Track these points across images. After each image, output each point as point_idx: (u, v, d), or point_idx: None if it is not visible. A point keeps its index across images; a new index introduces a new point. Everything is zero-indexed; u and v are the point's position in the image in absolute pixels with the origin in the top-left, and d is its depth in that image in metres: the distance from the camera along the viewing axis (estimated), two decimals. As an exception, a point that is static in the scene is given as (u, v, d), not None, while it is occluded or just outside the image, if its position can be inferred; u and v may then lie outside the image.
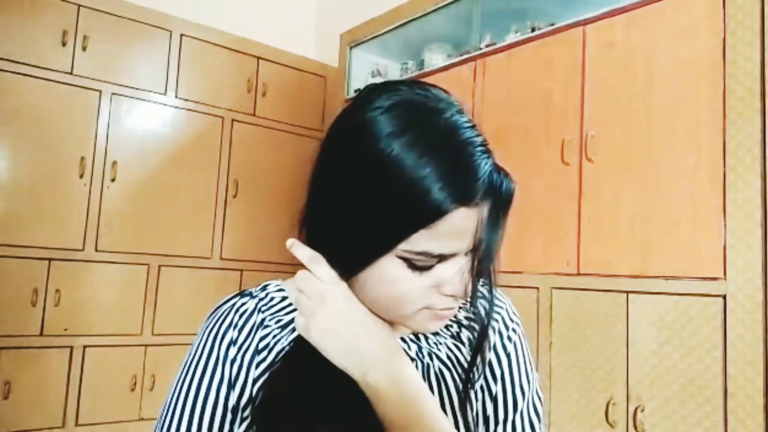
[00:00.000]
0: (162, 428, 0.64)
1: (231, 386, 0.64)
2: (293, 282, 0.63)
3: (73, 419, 2.60)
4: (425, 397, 0.60)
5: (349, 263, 0.60)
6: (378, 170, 0.56)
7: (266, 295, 0.70)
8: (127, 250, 2.78)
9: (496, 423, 0.70)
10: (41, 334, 2.55)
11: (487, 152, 0.60)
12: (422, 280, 0.58)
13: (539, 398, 0.73)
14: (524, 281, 2.10)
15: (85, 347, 2.65)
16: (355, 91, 3.04)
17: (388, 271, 0.58)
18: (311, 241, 0.63)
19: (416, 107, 0.59)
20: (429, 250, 0.56)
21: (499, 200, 0.60)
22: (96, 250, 2.69)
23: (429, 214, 0.54)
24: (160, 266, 2.85)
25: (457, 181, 0.55)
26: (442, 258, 0.57)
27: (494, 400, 0.70)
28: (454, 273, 0.59)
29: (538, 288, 2.06)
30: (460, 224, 0.56)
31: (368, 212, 0.56)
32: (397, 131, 0.56)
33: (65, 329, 2.60)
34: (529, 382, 0.73)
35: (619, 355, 1.80)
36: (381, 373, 0.59)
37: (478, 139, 0.60)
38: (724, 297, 1.60)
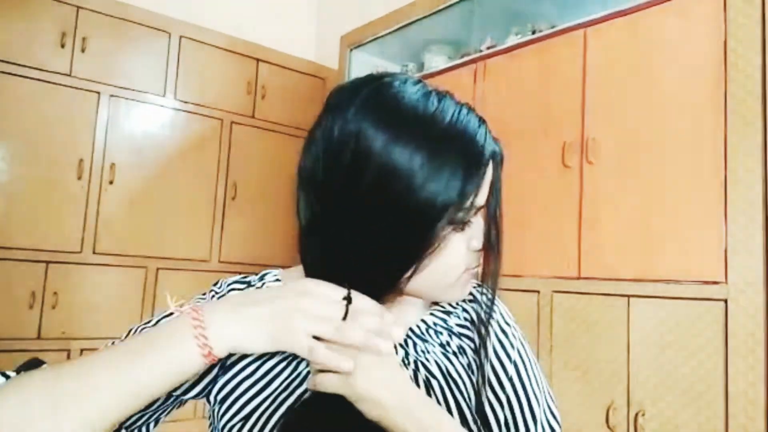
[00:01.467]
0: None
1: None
2: (288, 273, 0.63)
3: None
4: None
5: (410, 255, 0.59)
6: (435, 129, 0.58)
7: (263, 285, 0.70)
8: (125, 253, 2.77)
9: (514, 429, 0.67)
10: (38, 337, 2.54)
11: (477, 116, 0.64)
12: (463, 240, 0.62)
13: (552, 400, 0.71)
14: (525, 285, 2.09)
15: (82, 350, 2.63)
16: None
17: (443, 242, 0.60)
18: (344, 260, 0.61)
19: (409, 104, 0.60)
20: (476, 202, 0.60)
21: (499, 158, 0.64)
22: (94, 252, 2.68)
23: (480, 177, 0.59)
24: (158, 269, 2.84)
25: (486, 138, 0.61)
26: (478, 211, 0.62)
27: (509, 405, 0.68)
28: (480, 226, 0.63)
29: (538, 291, 2.05)
30: (488, 175, 0.61)
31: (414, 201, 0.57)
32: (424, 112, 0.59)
33: (63, 332, 2.59)
34: (539, 385, 0.70)
35: (620, 358, 1.80)
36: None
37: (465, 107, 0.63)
38: (726, 301, 1.59)
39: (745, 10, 1.64)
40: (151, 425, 0.67)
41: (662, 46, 1.81)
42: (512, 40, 2.32)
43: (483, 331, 0.69)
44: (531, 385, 0.69)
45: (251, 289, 0.64)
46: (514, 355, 0.70)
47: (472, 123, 0.60)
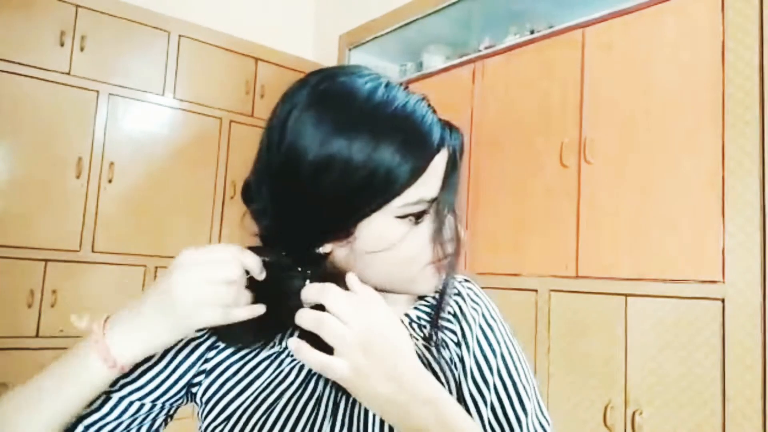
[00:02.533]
0: None
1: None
2: None
3: (68, 421, 2.58)
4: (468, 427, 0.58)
5: (337, 229, 0.60)
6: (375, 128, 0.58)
7: None
8: (124, 251, 2.76)
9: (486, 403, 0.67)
10: (37, 336, 2.53)
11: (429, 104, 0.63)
12: (421, 232, 0.61)
13: (540, 398, 0.70)
14: (523, 284, 2.09)
15: (81, 349, 2.63)
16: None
17: (392, 234, 0.60)
18: (282, 234, 0.63)
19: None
20: (423, 196, 0.59)
21: (453, 149, 0.63)
22: (93, 250, 2.68)
23: (425, 160, 0.58)
24: (156, 267, 2.84)
25: (434, 126, 0.60)
26: (431, 203, 0.61)
27: (498, 399, 0.67)
28: (446, 219, 0.63)
29: (536, 290, 2.05)
30: (440, 168, 0.60)
31: (358, 183, 0.57)
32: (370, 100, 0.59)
33: (61, 330, 2.59)
34: (528, 381, 0.70)
35: (618, 358, 1.80)
36: (421, 409, 0.56)
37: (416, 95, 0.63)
38: (723, 300, 1.60)
39: (743, 10, 1.64)
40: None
41: (660, 47, 1.82)
42: (510, 40, 2.32)
43: (438, 317, 0.71)
44: (520, 378, 0.68)
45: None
46: (500, 350, 0.69)
47: (418, 112, 0.60)
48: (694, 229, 1.68)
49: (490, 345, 0.70)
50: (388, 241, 0.60)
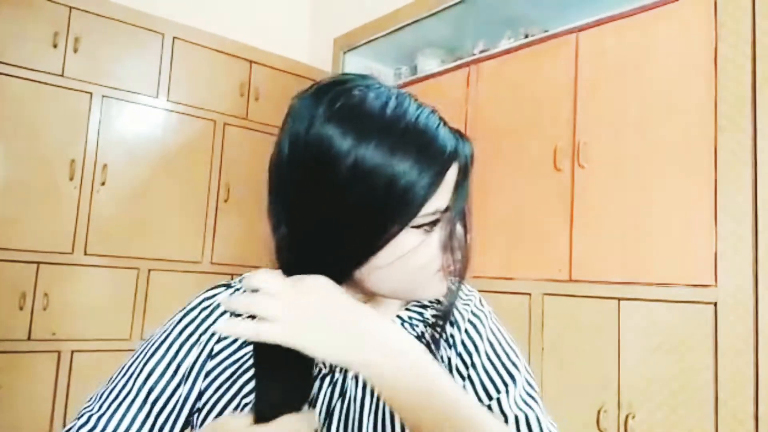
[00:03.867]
0: (103, 400, 0.66)
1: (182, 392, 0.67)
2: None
3: (60, 425, 2.57)
4: (449, 384, 0.58)
5: (364, 250, 0.60)
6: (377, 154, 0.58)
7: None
8: (117, 254, 2.75)
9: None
10: (29, 339, 2.52)
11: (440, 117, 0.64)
12: (433, 240, 0.62)
13: (530, 380, 0.72)
14: (516, 287, 2.09)
15: (73, 352, 2.62)
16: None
17: (408, 245, 0.60)
18: (300, 249, 0.61)
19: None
20: (438, 206, 0.61)
21: (464, 158, 0.64)
22: (85, 253, 2.67)
23: (441, 174, 0.60)
24: (150, 270, 2.83)
25: (448, 138, 0.61)
26: (444, 212, 0.62)
27: (485, 371, 0.70)
28: (453, 227, 0.64)
29: (529, 294, 2.06)
30: (451, 178, 0.62)
31: (378, 200, 0.57)
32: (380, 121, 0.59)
33: (53, 333, 2.57)
34: (518, 357, 0.73)
35: (611, 361, 1.80)
36: (393, 362, 0.56)
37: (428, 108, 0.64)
38: (715, 304, 1.61)
39: (735, 15, 1.65)
40: None
41: (653, 51, 1.83)
42: (505, 44, 2.33)
43: (441, 324, 0.72)
44: (507, 354, 0.72)
45: None
46: (486, 334, 0.73)
47: (432, 124, 0.60)
48: (687, 233, 1.69)
49: (477, 331, 0.73)
50: (404, 252, 0.61)
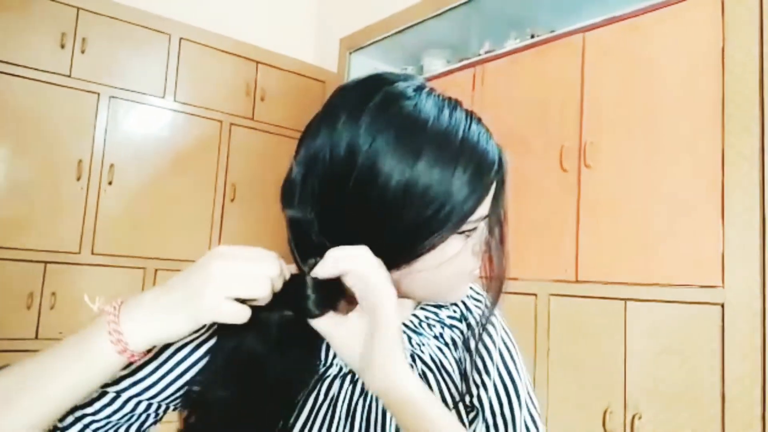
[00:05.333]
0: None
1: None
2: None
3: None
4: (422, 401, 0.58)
5: (402, 256, 0.59)
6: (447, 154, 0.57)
7: None
8: (124, 254, 2.76)
9: (495, 425, 0.69)
10: (36, 338, 2.53)
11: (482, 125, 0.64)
12: (468, 247, 0.62)
13: (533, 403, 0.73)
14: (522, 288, 2.09)
15: (80, 351, 2.63)
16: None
17: (451, 251, 0.60)
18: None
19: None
20: (481, 215, 0.61)
21: (504, 166, 0.64)
22: (92, 253, 2.68)
23: (488, 187, 0.60)
24: (156, 270, 2.84)
25: (494, 151, 0.62)
26: (484, 219, 0.63)
27: (495, 391, 0.71)
28: (483, 231, 0.64)
29: (536, 295, 2.05)
30: (492, 187, 0.62)
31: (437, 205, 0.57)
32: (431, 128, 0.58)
33: (60, 332, 2.59)
34: (521, 380, 0.73)
35: (617, 362, 1.80)
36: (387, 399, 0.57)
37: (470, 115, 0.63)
38: (722, 305, 1.60)
39: (743, 15, 1.65)
40: None
41: (660, 52, 1.82)
42: (511, 45, 2.33)
43: (481, 331, 0.72)
44: (519, 377, 0.73)
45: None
46: (499, 342, 0.74)
47: (482, 136, 0.60)
48: (694, 233, 1.68)
49: (491, 339, 0.73)
50: (447, 257, 0.60)
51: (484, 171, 0.59)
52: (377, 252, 0.57)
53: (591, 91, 1.99)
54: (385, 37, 2.93)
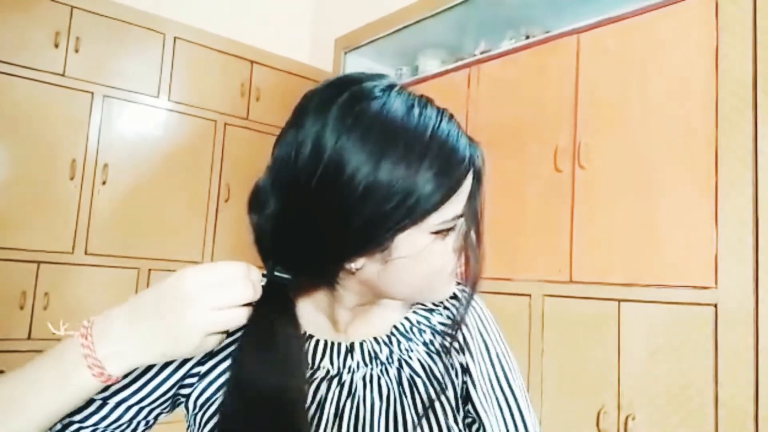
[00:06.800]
0: None
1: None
2: None
3: (60, 424, 2.57)
4: None
5: (362, 247, 0.59)
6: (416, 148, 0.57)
7: None
8: (118, 254, 2.75)
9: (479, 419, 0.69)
10: (29, 338, 2.52)
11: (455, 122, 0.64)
12: (447, 245, 0.62)
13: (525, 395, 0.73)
14: (516, 288, 2.09)
15: (73, 351, 2.62)
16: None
17: (426, 249, 0.60)
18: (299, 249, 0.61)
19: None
20: (456, 212, 0.61)
21: (479, 163, 0.64)
22: (86, 253, 2.67)
23: (459, 182, 0.60)
24: (150, 270, 2.83)
25: (466, 147, 0.61)
26: (460, 217, 0.62)
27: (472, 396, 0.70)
28: (461, 230, 0.64)
29: (530, 295, 2.05)
30: (467, 184, 0.61)
31: (399, 202, 0.57)
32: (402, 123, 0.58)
33: (53, 333, 2.57)
34: (512, 371, 0.73)
35: (611, 363, 1.80)
36: None
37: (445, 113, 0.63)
38: (716, 306, 1.60)
39: (737, 16, 1.65)
40: None
41: (654, 53, 1.83)
42: (506, 45, 2.33)
43: (457, 329, 0.72)
44: (517, 385, 0.72)
45: (142, 294, 0.59)
46: (497, 356, 0.73)
47: (452, 134, 0.60)
48: (687, 234, 1.69)
49: (488, 351, 0.73)
50: (422, 255, 0.60)
51: (453, 167, 0.58)
52: (340, 242, 0.58)
53: (585, 91, 1.99)
54: (381, 37, 2.94)
